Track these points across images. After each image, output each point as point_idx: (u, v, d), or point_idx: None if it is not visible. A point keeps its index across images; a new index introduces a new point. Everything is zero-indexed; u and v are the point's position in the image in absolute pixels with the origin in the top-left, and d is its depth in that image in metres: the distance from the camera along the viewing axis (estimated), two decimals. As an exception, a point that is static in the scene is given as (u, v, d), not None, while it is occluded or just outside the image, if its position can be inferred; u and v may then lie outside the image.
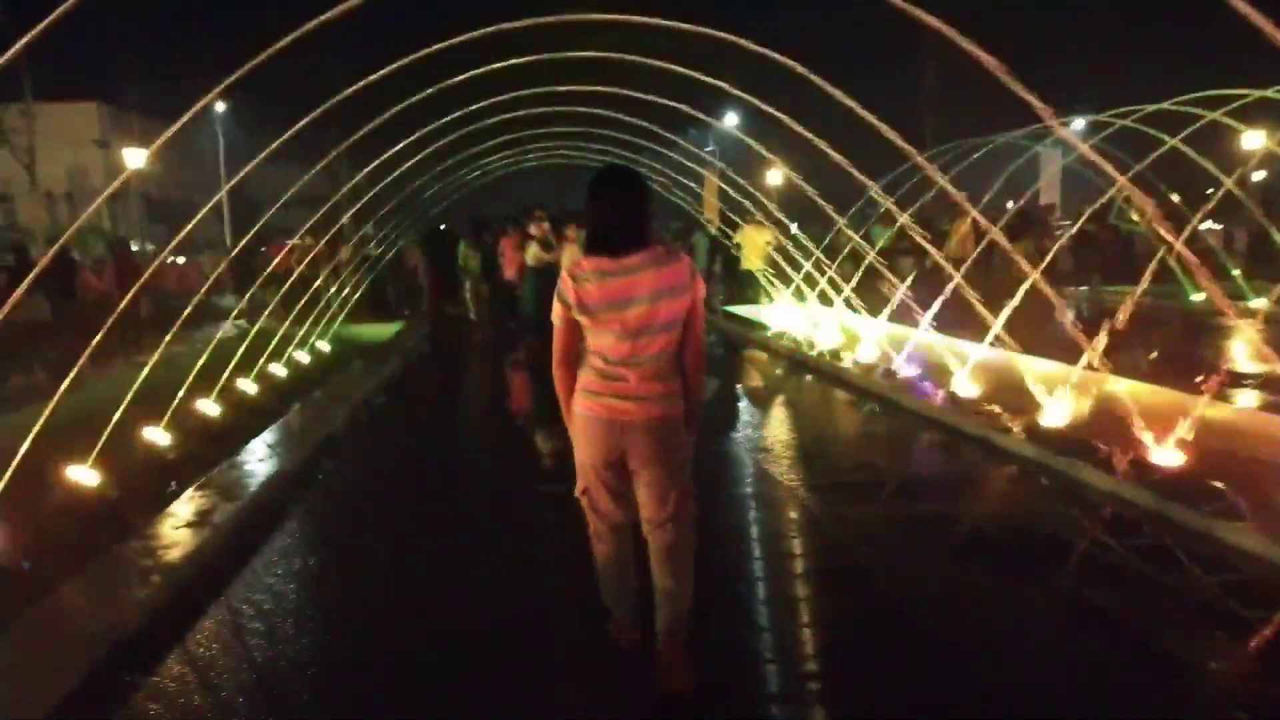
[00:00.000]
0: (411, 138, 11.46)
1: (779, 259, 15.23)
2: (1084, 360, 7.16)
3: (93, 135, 42.16)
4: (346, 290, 14.90)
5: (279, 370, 11.25)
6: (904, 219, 9.66)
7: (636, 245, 3.43)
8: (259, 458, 7.29)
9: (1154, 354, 11.35)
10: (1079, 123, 20.58)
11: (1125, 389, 6.80)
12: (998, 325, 8.08)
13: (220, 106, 40.20)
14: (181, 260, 30.91)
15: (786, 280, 15.71)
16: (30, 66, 28.07)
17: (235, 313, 11.24)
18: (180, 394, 7.89)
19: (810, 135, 9.79)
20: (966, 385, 8.66)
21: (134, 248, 24.31)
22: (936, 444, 8.01)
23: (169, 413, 7.64)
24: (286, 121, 7.83)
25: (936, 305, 9.67)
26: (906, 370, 9.89)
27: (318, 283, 13.51)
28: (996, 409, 7.96)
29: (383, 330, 16.15)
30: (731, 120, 24.33)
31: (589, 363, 3.55)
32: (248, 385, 9.94)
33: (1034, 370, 7.76)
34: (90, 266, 17.39)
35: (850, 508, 6.16)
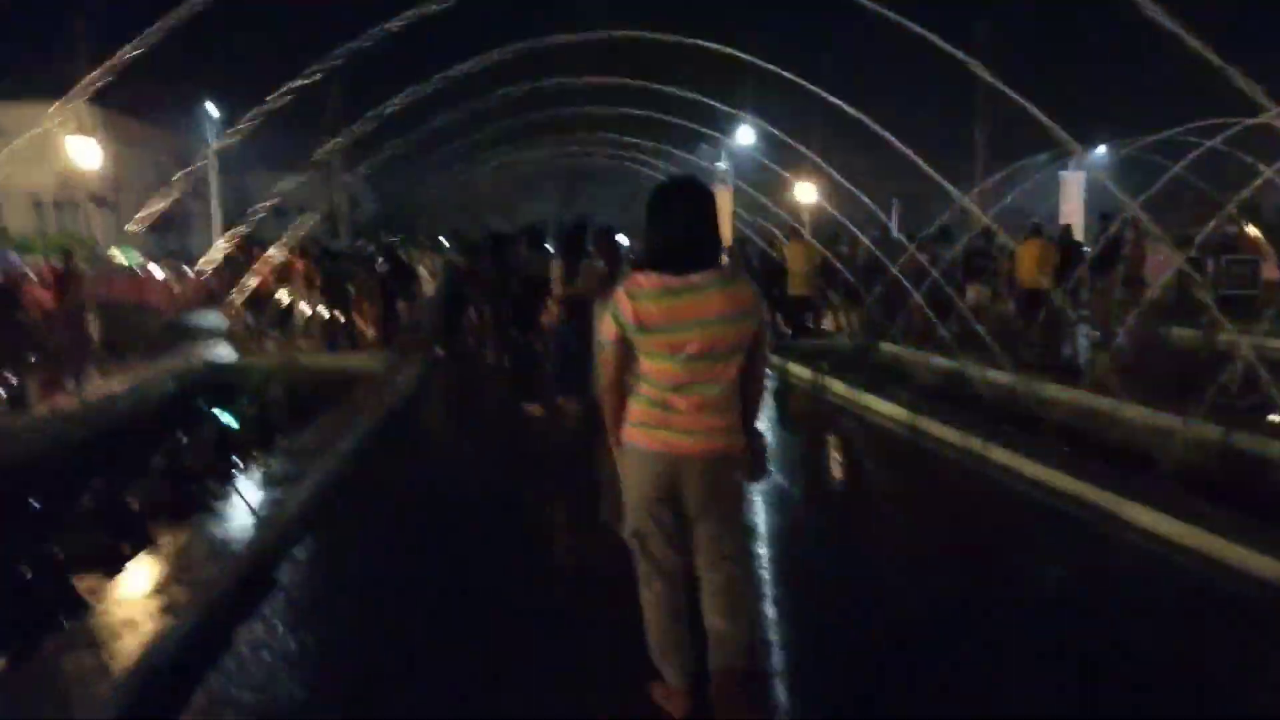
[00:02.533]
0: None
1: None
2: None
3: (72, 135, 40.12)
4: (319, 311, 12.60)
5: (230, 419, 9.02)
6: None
7: (705, 262, 3.19)
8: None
9: None
10: (1100, 149, 18.98)
11: None
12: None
13: (215, 112, 37.98)
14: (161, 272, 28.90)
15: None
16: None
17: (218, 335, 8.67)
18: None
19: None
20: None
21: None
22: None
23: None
24: (282, 127, 7.25)
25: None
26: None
27: (287, 302, 11.42)
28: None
29: (355, 362, 12.08)
30: (747, 136, 21.97)
31: (640, 391, 3.29)
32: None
33: None
34: (37, 280, 15.07)
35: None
